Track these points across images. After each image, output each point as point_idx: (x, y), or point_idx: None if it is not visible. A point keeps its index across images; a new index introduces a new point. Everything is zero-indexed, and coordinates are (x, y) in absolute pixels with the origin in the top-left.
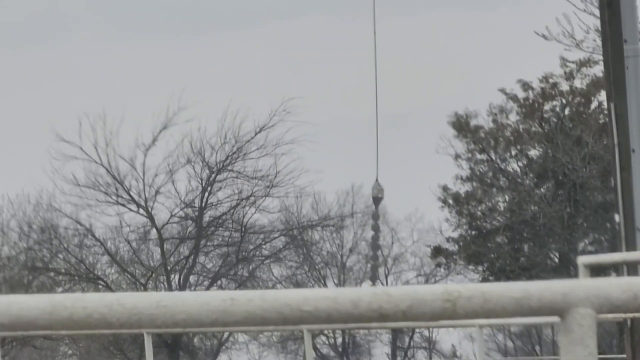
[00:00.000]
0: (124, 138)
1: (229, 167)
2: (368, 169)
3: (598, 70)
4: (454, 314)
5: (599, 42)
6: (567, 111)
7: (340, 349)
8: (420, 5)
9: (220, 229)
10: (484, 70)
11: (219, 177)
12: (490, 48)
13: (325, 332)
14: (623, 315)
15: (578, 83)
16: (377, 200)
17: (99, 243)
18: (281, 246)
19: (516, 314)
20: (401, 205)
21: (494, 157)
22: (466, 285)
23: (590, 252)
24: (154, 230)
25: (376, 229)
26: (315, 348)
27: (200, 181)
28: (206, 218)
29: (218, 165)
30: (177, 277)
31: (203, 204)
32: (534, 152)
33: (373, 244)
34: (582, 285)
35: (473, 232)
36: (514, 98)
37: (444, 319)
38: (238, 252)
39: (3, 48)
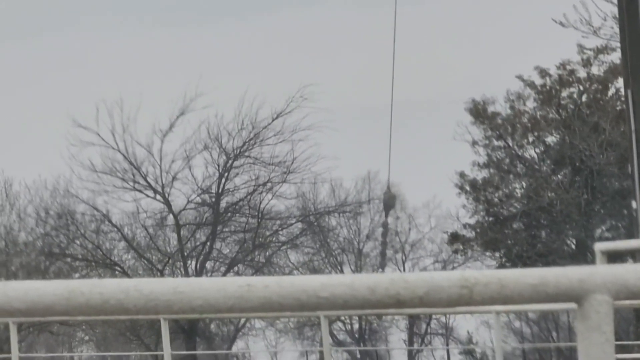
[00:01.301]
0: (141, 124)
1: (246, 153)
2: (384, 156)
3: (615, 57)
4: (471, 301)
5: (617, 29)
6: (584, 98)
7: (357, 335)
8: None
9: (237, 215)
10: (502, 57)
11: (236, 163)
12: (508, 35)
13: (342, 318)
14: None
15: (595, 70)
16: (387, 207)
17: (115, 229)
18: (298, 232)
19: (533, 301)
20: (418, 192)
21: (511, 144)
22: (483, 272)
23: (607, 239)
24: (170, 216)
25: (385, 235)
26: (331, 334)
27: (217, 167)
28: (223, 204)
29: (235, 152)
30: (193, 263)
31: (220, 190)
32: (551, 139)
33: (382, 252)
34: (599, 272)
35: (490, 219)
36: (531, 85)
37: (461, 305)
38: (255, 238)
39: (21, 36)
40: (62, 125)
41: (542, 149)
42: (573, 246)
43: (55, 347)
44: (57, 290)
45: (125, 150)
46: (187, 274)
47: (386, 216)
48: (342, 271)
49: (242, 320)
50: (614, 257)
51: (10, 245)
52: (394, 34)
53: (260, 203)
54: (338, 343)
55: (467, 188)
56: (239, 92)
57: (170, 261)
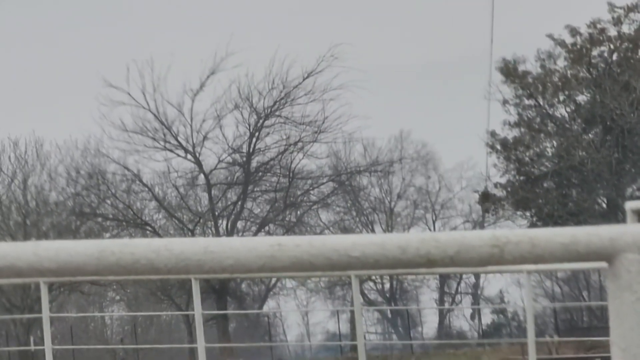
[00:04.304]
0: (172, 84)
1: (277, 113)
2: (415, 116)
3: None
4: (502, 260)
5: None
6: (614, 56)
7: (387, 295)
8: None
9: (268, 174)
10: (532, 16)
11: (267, 123)
12: None
13: (373, 277)
14: None
15: (626, 28)
16: (485, 207)
17: (146, 188)
18: (329, 192)
19: (564, 260)
20: (449, 152)
21: (541, 103)
22: (514, 231)
23: (638, 198)
24: (201, 176)
25: None
26: (362, 294)
27: (248, 127)
28: (254, 164)
29: (266, 111)
30: (224, 222)
31: (251, 150)
32: (581, 98)
33: None
34: (630, 231)
35: (521, 178)
36: (562, 44)
37: (492, 265)
38: (286, 197)
39: None
40: (93, 85)
41: (573, 107)
42: (604, 205)
43: (86, 307)
44: (88, 250)
45: (156, 110)
46: (218, 234)
47: (483, 218)
48: (373, 230)
49: (273, 280)
50: None
51: (41, 205)
52: None
53: (291, 162)
54: (369, 302)
55: (498, 147)
56: (269, 52)
57: (201, 221)
